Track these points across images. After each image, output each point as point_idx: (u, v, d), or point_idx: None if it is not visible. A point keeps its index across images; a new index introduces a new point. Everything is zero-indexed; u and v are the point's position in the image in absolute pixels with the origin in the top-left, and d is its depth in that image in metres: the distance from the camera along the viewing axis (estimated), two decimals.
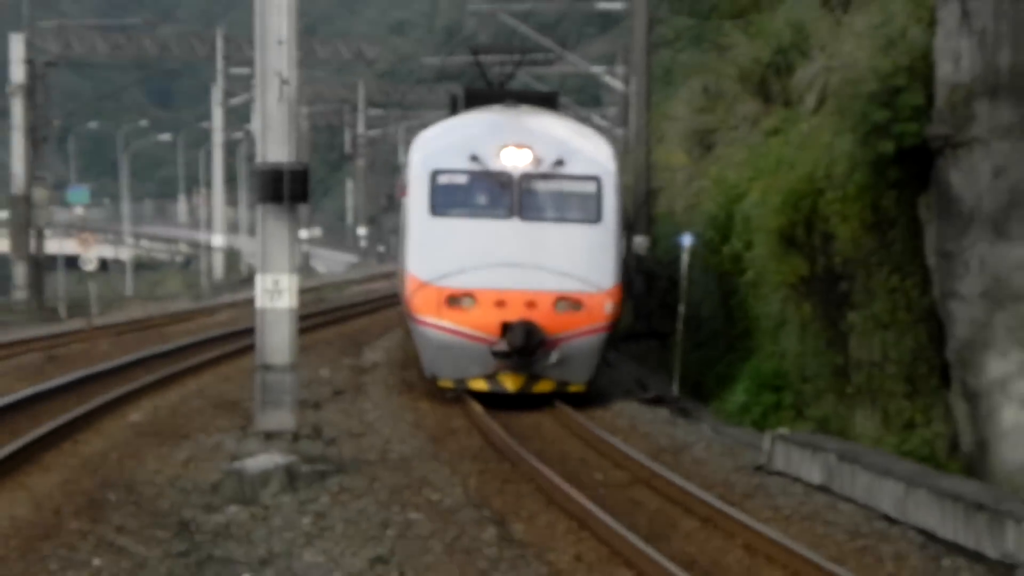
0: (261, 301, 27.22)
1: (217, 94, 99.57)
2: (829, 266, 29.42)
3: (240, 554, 21.09)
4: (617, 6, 61.93)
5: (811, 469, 23.87)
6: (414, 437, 28.45)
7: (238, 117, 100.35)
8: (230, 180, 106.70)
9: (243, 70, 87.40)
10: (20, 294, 76.55)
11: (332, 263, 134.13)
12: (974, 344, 23.50)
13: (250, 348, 30.58)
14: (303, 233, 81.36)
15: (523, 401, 29.56)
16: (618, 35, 65.06)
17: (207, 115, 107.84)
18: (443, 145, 32.68)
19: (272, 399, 26.82)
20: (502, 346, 29.46)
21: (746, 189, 35.60)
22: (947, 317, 23.87)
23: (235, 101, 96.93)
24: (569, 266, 30.60)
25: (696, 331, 37.90)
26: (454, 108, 36.44)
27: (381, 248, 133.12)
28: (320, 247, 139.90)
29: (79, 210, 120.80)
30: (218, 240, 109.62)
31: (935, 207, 24.19)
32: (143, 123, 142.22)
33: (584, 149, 32.19)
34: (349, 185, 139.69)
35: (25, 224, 75.60)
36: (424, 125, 47.03)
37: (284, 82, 26.83)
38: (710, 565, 18.74)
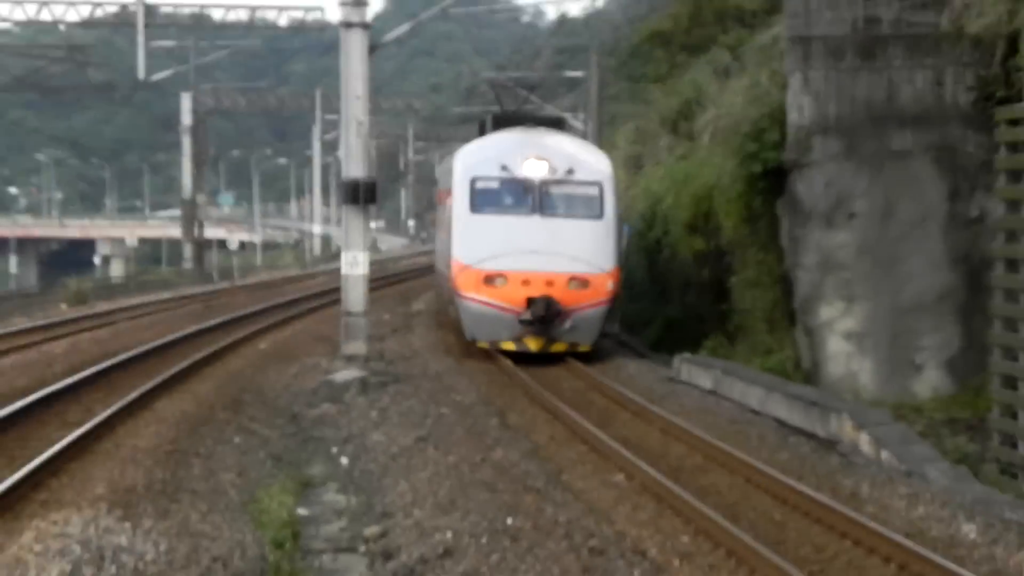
0: (345, 269, 27.46)
1: (317, 132, 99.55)
2: (718, 245, 29.86)
3: (330, 435, 21.32)
4: (579, 74, 62.28)
5: (705, 380, 24.09)
6: (445, 359, 28.53)
7: (330, 147, 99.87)
8: (325, 189, 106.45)
9: (333, 116, 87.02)
10: (187, 265, 76.91)
11: (391, 244, 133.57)
12: (811, 297, 23.69)
13: (337, 301, 30.71)
14: (372, 224, 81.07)
15: (542, 358, 27.62)
16: (580, 93, 64.89)
17: (310, 146, 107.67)
18: (480, 158, 29.42)
19: (351, 334, 27.03)
20: (527, 315, 27.28)
21: (664, 195, 35.70)
22: (795, 280, 24.07)
23: (328, 136, 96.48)
24: (579, 252, 28.05)
25: (632, 291, 37.86)
26: (483, 130, 33.10)
27: (423, 235, 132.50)
28: (383, 233, 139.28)
29: (226, 209, 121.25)
30: (317, 229, 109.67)
31: (788, 207, 24.31)
32: (268, 152, 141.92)
33: (588, 160, 29.44)
34: (403, 193, 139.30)
35: (191, 218, 75.71)
36: (451, 150, 41.59)
37: (360, 124, 27.00)
38: (638, 441, 18.74)
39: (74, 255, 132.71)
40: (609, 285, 28.15)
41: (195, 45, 67.84)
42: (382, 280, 56.33)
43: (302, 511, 15.87)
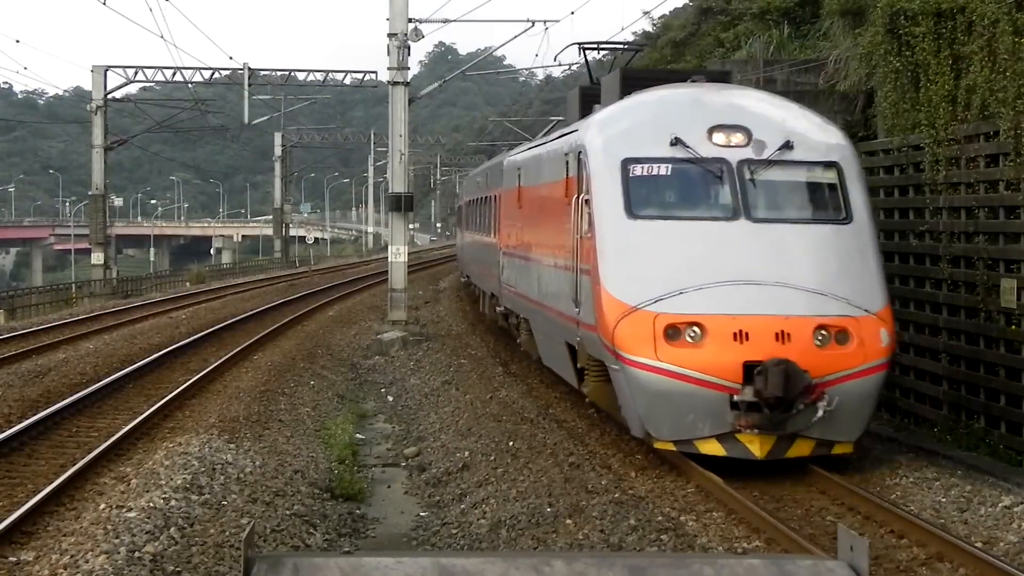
0: (390, 258, 27.12)
1: (371, 159, 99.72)
2: None
3: (379, 379, 21.11)
4: (562, 119, 61.74)
5: None
6: (463, 323, 28.29)
7: (380, 171, 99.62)
8: (376, 200, 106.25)
9: (383, 148, 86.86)
10: (277, 255, 77.40)
11: (423, 240, 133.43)
12: None
13: (384, 281, 30.46)
14: (410, 225, 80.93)
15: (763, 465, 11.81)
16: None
17: (366, 169, 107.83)
18: (632, 127, 13.44)
19: (395, 305, 26.72)
20: (748, 395, 11.51)
21: None
22: None
23: (379, 163, 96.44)
24: (823, 281, 12.15)
25: None
26: (587, 108, 15.86)
27: (447, 233, 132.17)
28: (418, 232, 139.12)
29: (305, 214, 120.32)
30: (370, 228, 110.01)
31: None
32: (335, 173, 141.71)
33: (812, 129, 13.35)
34: (432, 203, 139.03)
35: (280, 221, 75.92)
36: (499, 152, 30.27)
37: (402, 154, 26.65)
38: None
39: (196, 248, 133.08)
40: (883, 336, 12.04)
41: (284, 98, 67.78)
42: (417, 266, 56.14)
43: (359, 436, 15.64)
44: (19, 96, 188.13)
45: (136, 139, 55.90)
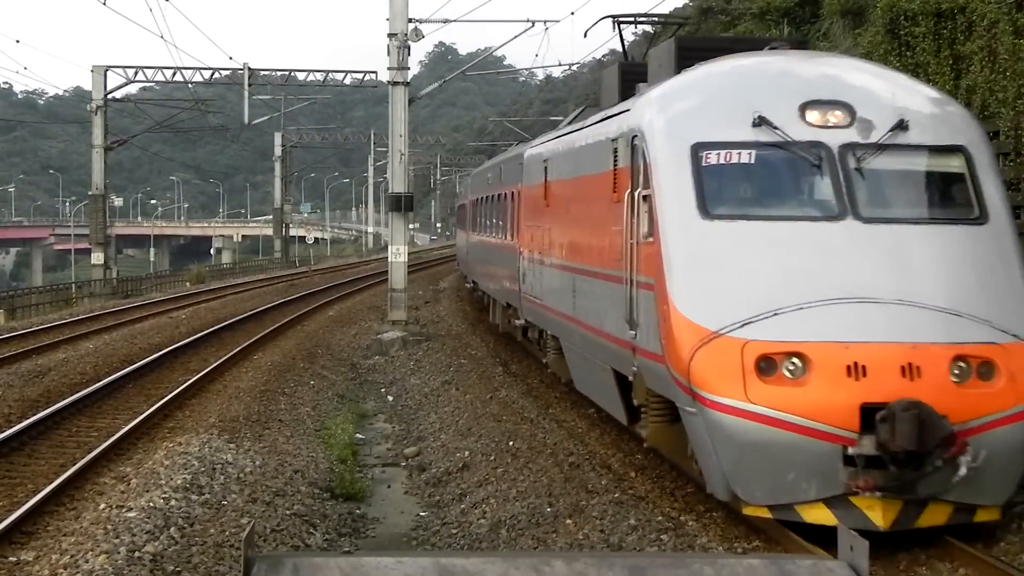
0: (391, 257, 27.09)
1: (371, 159, 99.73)
2: None
3: (379, 379, 21.08)
4: (560, 118, 61.73)
5: None
6: (463, 323, 28.26)
7: (380, 171, 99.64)
8: (376, 200, 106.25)
9: (382, 148, 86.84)
10: (277, 254, 77.45)
11: (423, 240, 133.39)
12: None
13: (384, 281, 30.45)
14: (410, 225, 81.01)
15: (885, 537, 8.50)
16: None
17: (366, 169, 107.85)
18: (704, 104, 10.17)
19: (395, 304, 26.71)
20: (868, 447, 8.20)
21: None
22: None
23: (379, 163, 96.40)
24: (958, 298, 8.77)
25: None
26: (628, 89, 12.78)
27: (448, 233, 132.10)
28: (418, 232, 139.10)
29: (305, 215, 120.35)
30: (370, 228, 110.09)
31: None
32: (335, 173, 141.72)
33: (929, 105, 9.98)
34: (432, 203, 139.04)
35: (280, 221, 76.05)
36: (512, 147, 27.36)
37: (402, 154, 26.65)
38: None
39: (195, 247, 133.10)
40: None
41: (284, 98, 67.80)
42: (417, 266, 56.11)
43: (359, 436, 15.63)
44: (19, 96, 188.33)
45: (136, 139, 55.90)
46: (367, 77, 49.43)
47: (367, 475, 13.26)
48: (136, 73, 47.53)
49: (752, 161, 9.79)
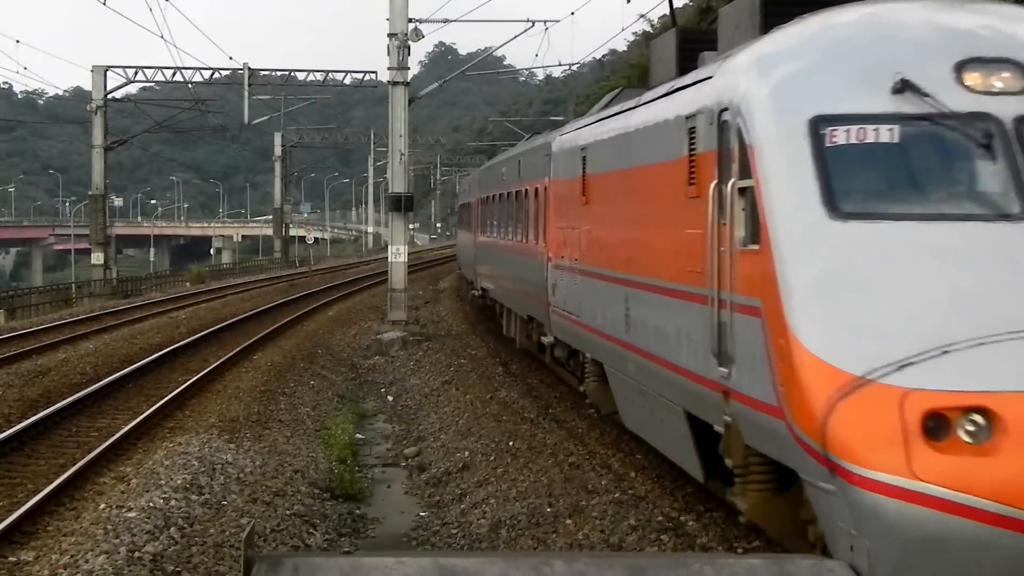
0: (391, 257, 27.13)
1: (371, 160, 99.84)
2: None
3: (379, 379, 21.09)
4: (560, 118, 61.97)
5: None
6: (463, 323, 28.27)
7: (380, 171, 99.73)
8: (376, 200, 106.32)
9: (382, 148, 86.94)
10: (277, 254, 77.50)
11: (423, 240, 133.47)
12: None
13: (384, 281, 30.47)
14: (410, 225, 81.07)
15: None
16: None
17: (366, 169, 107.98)
18: (823, 64, 7.08)
19: (395, 304, 26.73)
20: None
21: None
22: None
23: (379, 163, 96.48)
24: None
25: None
26: (688, 60, 10.09)
27: (448, 233, 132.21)
28: (418, 232, 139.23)
29: (305, 215, 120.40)
30: (370, 229, 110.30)
31: None
32: (335, 173, 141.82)
33: None
34: (432, 203, 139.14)
35: (280, 221, 76.12)
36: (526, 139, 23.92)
37: (402, 154, 26.66)
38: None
39: (195, 248, 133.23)
40: None
41: (284, 98, 67.86)
42: (417, 265, 56.15)
43: (359, 436, 15.63)
44: (19, 96, 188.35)
45: (136, 139, 55.94)
46: (367, 77, 49.48)
47: (367, 475, 13.25)
48: (136, 73, 47.55)
49: (895, 139, 7.09)
